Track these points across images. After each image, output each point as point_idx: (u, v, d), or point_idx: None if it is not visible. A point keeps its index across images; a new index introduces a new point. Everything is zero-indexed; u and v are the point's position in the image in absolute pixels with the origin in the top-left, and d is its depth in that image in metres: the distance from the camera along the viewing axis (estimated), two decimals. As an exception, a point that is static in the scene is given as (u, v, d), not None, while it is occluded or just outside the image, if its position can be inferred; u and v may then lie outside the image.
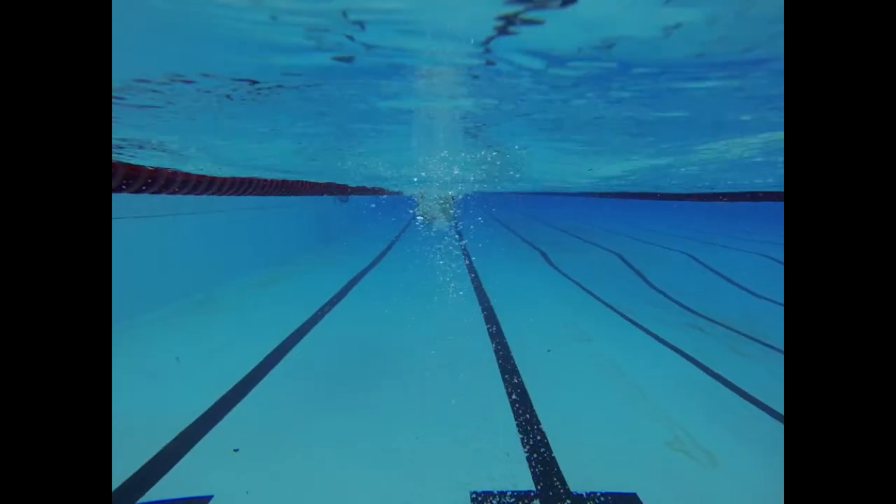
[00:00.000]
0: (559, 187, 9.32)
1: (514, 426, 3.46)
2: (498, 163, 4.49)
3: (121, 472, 2.79)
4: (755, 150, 3.27)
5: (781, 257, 12.92)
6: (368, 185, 8.26)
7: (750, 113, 2.21)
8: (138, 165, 3.69)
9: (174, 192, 4.15)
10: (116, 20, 1.07)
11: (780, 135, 2.71)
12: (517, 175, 5.99)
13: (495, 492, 2.71)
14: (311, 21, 1.19)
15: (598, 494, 2.71)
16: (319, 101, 2.07)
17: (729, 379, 4.54)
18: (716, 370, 4.75)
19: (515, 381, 4.26)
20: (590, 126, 2.58)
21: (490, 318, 6.31)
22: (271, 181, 5.58)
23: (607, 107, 2.11)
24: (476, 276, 9.13)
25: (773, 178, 5.19)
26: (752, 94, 1.87)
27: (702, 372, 4.71)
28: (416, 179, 6.48)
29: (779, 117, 2.26)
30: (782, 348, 5.61)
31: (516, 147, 3.50)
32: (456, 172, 5.30)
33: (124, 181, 3.53)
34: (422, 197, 8.17)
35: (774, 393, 4.22)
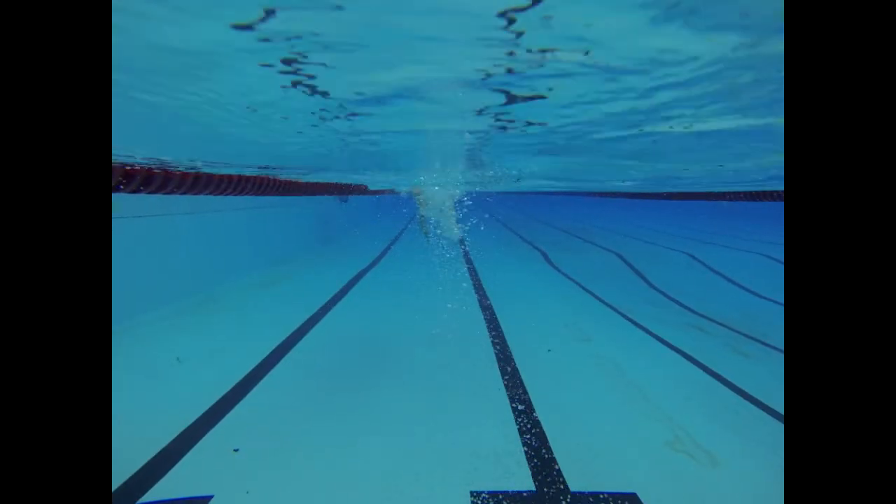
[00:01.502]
0: (563, 187, 9.32)
1: (515, 426, 3.46)
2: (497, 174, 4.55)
3: (121, 472, 2.79)
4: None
5: (781, 257, 12.91)
6: (370, 185, 8.26)
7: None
8: (136, 165, 3.67)
9: (172, 192, 4.13)
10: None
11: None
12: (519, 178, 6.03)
13: (495, 492, 2.71)
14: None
15: (598, 494, 2.71)
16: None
17: (729, 379, 4.53)
18: (716, 370, 4.75)
19: (516, 380, 4.26)
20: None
21: (490, 317, 6.31)
22: (271, 181, 5.57)
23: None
24: (476, 276, 9.13)
25: (774, 179, 5.19)
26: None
27: (702, 372, 4.70)
28: (416, 179, 6.49)
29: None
30: (782, 348, 5.61)
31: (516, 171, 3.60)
32: (457, 177, 5.33)
33: (121, 181, 3.52)
34: (421, 196, 8.17)
35: (775, 393, 4.22)
